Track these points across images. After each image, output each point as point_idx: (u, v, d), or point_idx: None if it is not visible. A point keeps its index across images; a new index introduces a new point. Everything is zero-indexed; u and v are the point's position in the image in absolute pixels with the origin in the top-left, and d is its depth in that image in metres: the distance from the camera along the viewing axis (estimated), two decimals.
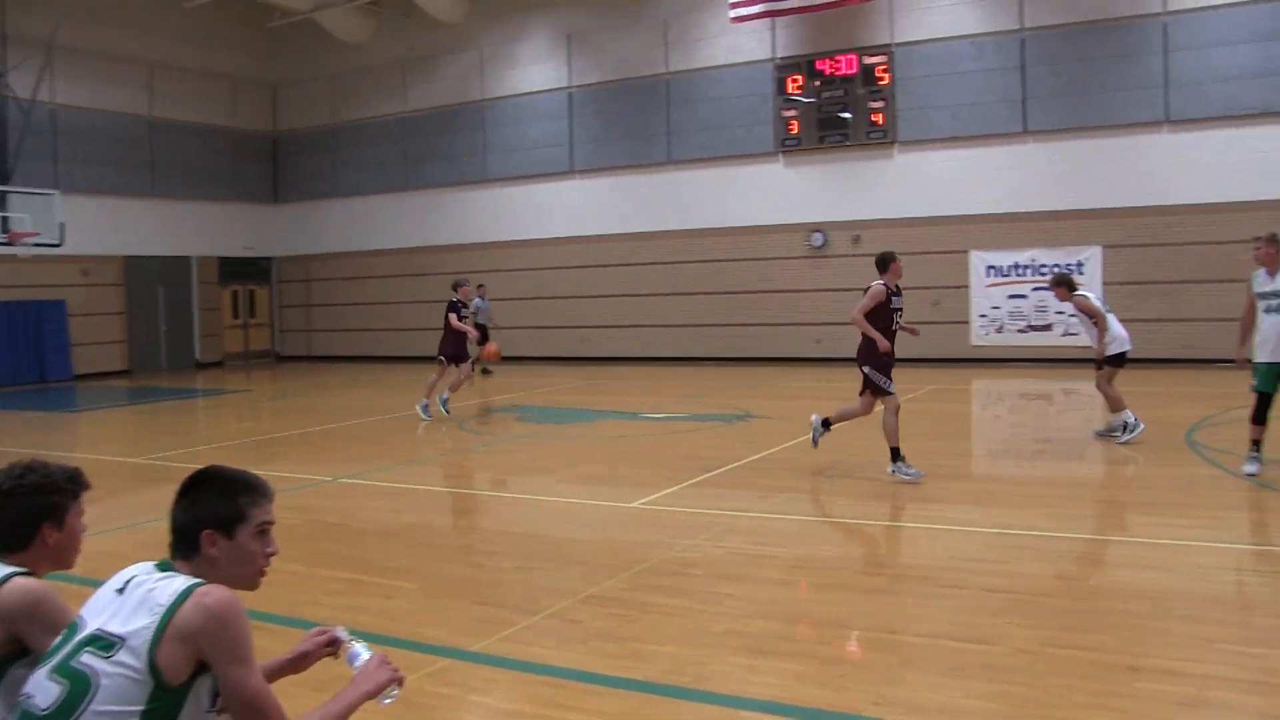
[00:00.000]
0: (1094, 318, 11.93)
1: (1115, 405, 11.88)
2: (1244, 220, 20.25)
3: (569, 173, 27.20)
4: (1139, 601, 6.10)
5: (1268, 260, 9.65)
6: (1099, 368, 12.07)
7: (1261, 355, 9.69)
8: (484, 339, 23.46)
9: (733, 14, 23.46)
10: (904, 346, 11.31)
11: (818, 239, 24.04)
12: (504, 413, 17.04)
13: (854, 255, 23.57)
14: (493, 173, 28.34)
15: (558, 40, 27.21)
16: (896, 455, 9.94)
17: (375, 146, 30.38)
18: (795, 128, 24.04)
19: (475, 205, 28.71)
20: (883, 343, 10.04)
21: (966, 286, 22.63)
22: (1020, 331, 22.25)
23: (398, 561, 7.64)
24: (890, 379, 10.16)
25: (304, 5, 28.44)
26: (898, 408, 10.12)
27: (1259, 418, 9.72)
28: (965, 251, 22.66)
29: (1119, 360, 11.98)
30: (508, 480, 11.56)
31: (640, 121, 26.12)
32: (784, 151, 24.34)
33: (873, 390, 10.23)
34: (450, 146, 29.01)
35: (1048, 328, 21.85)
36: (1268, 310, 9.64)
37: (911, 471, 9.84)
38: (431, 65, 29.17)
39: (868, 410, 10.47)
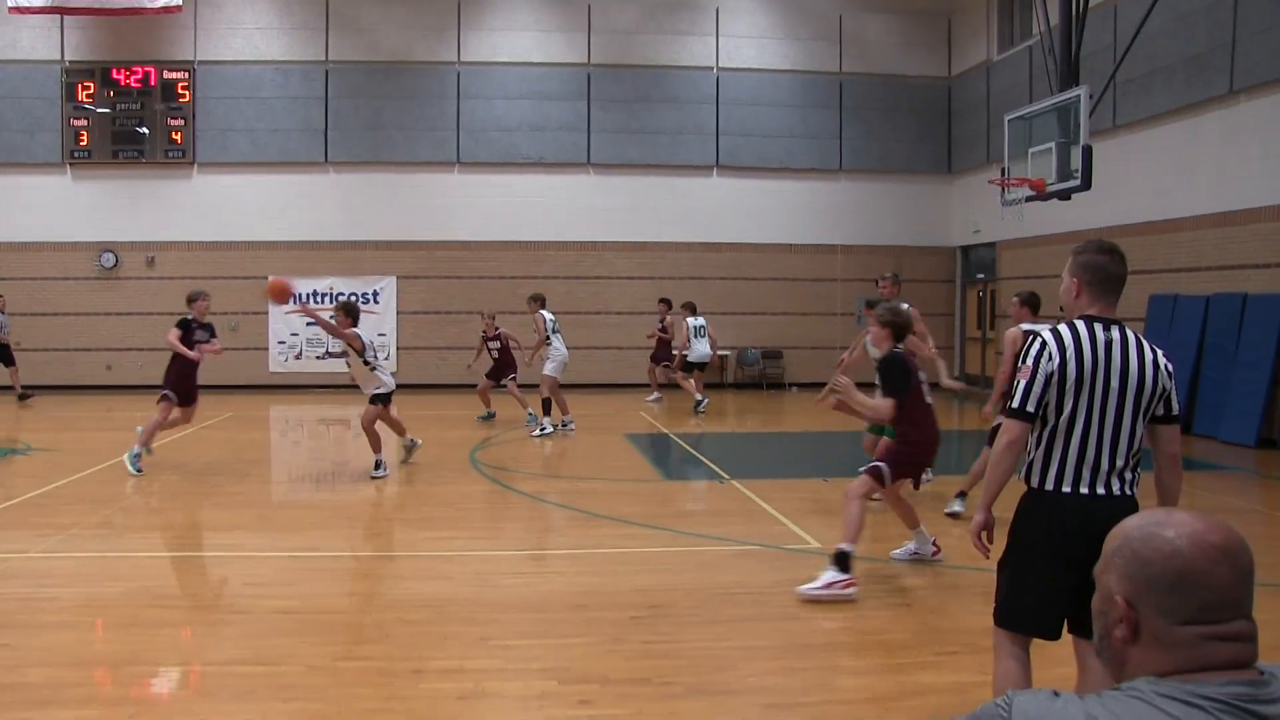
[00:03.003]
0: (368, 363, 12.10)
1: (399, 430, 12.54)
2: (522, 258, 22.48)
3: None
4: (423, 610, 6.46)
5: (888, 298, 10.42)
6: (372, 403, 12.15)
7: None
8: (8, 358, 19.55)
9: (11, 3, 21.09)
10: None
11: (108, 259, 22.53)
12: None
13: (148, 278, 22.48)
14: None
15: None
16: None
17: None
18: (85, 138, 22.34)
19: None
20: None
21: (265, 313, 22.47)
22: (319, 358, 22.59)
23: None
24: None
25: None
26: None
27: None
28: (264, 277, 22.49)
29: (386, 399, 12.19)
30: None
31: None
32: (72, 163, 22.48)
33: None
34: None
35: (346, 354, 22.34)
36: None
37: None
38: None
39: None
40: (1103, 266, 4.01)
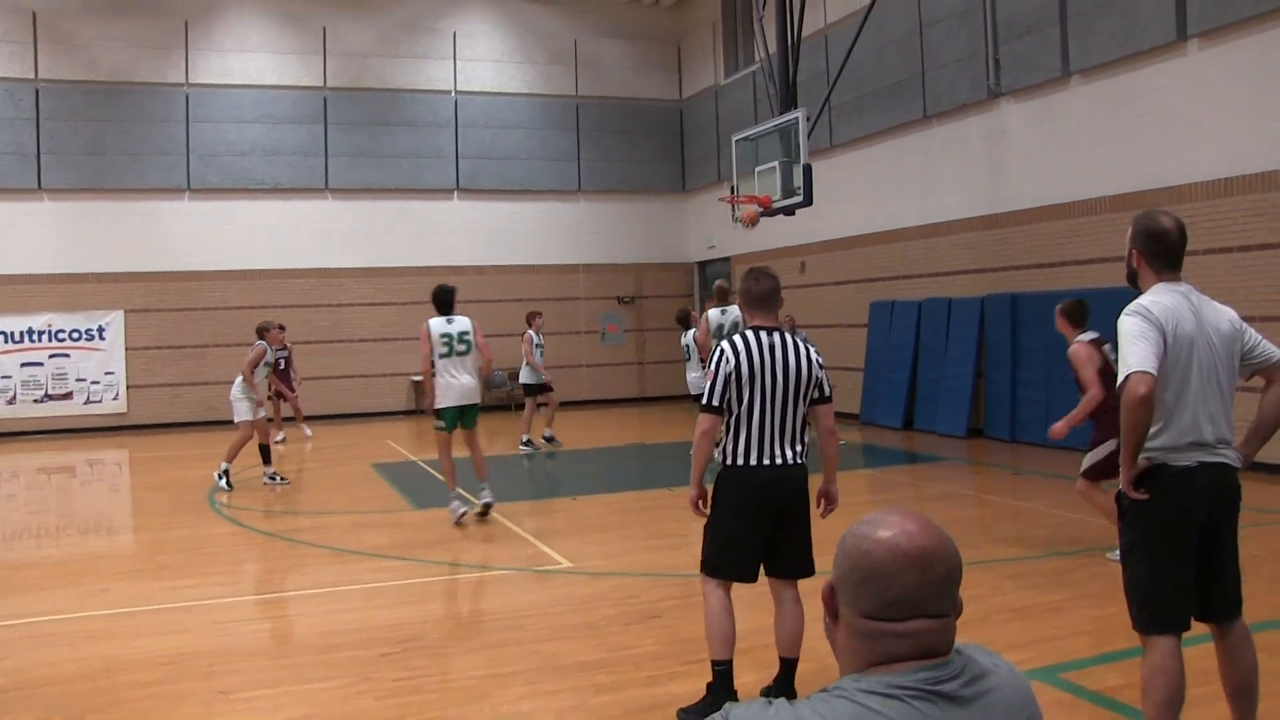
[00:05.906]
0: None
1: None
2: (258, 287, 21.73)
3: None
4: (157, 669, 6.11)
5: None
6: None
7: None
8: None
9: None
10: None
11: None
12: None
13: None
14: None
15: None
16: None
17: None
18: None
19: None
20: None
21: None
22: (37, 401, 21.04)
23: None
24: None
25: None
26: None
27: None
28: None
29: None
30: None
31: None
32: None
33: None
34: None
35: (69, 396, 21.02)
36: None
37: None
38: None
39: None
40: (748, 289, 5.15)
